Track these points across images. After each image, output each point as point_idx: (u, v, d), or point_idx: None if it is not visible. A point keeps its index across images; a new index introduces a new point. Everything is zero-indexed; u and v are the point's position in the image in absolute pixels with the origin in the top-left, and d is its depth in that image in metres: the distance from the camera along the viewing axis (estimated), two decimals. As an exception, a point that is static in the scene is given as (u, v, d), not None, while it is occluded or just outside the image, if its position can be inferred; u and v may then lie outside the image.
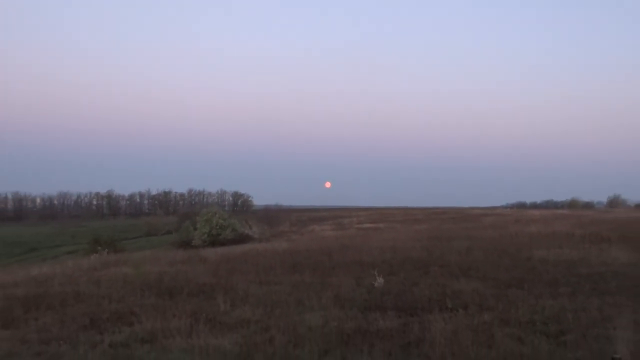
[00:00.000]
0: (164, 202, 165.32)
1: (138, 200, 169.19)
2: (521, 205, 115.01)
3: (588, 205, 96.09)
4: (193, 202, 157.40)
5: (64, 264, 23.79)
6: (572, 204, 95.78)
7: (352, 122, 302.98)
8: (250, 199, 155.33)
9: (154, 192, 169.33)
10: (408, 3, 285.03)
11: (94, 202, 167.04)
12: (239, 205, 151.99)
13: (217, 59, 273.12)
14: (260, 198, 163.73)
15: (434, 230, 35.22)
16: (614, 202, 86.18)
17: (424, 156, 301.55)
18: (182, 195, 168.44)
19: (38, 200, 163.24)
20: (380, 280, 13.59)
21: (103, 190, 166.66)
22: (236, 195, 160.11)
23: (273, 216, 71.43)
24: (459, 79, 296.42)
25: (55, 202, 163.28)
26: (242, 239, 44.50)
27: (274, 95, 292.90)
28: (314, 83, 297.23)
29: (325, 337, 8.74)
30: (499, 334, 8.53)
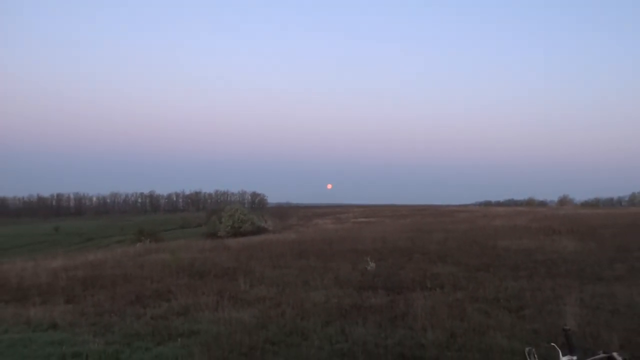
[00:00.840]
0: (195, 201, 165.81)
1: (174, 199, 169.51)
2: (487, 203, 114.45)
3: (542, 204, 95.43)
4: (219, 201, 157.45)
5: (114, 251, 23.80)
6: (529, 203, 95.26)
7: (348, 130, 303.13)
8: (265, 197, 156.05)
9: (187, 192, 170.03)
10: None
11: (139, 201, 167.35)
12: (256, 203, 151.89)
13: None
14: (274, 197, 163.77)
15: (417, 224, 35.06)
16: (563, 201, 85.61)
17: (409, 160, 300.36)
18: (210, 194, 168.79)
19: (94, 199, 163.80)
20: (372, 265, 13.55)
21: (146, 191, 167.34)
22: (254, 195, 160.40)
23: (284, 212, 71.40)
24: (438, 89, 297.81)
25: (108, 200, 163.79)
26: (259, 231, 44.36)
27: (284, 108, 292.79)
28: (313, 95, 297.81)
29: (327, 311, 8.72)
30: (469, 309, 8.49)
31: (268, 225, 49.10)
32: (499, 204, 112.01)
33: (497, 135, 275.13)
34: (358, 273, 13.05)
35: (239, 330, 7.58)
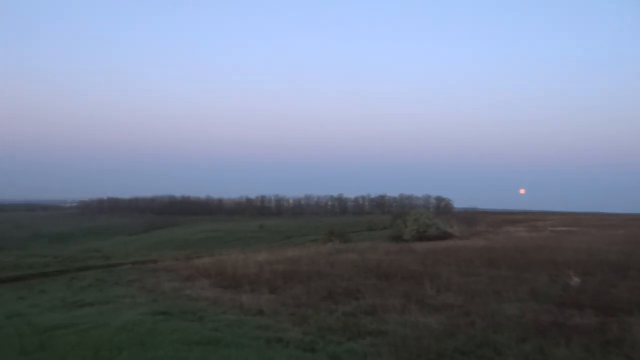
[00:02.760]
0: (380, 204, 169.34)
1: (361, 202, 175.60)
2: None
3: None
4: (403, 204, 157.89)
5: (309, 249, 25.66)
6: None
7: (541, 131, 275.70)
8: (451, 202, 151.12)
9: (373, 196, 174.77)
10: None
11: (329, 203, 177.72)
12: (442, 208, 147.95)
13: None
14: (460, 202, 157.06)
15: (633, 236, 30.01)
16: None
17: (619, 161, 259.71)
18: (395, 198, 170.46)
19: (291, 201, 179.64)
20: (576, 280, 12.00)
21: (336, 194, 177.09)
22: (439, 199, 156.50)
23: (471, 217, 68.01)
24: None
25: (303, 202, 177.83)
26: (444, 236, 43.19)
27: (471, 109, 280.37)
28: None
29: (522, 327, 8.00)
30: None
31: (454, 230, 47.49)
32: None
33: None
34: (558, 287, 11.69)
35: (426, 335, 7.46)
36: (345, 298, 10.86)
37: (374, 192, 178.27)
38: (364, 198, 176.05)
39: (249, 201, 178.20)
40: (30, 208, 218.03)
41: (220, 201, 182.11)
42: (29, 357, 6.17)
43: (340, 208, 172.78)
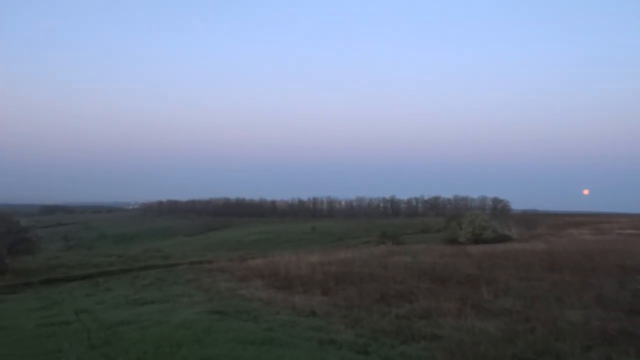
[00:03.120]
0: (434, 206, 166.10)
1: (414, 203, 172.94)
2: None
3: None
4: (458, 206, 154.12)
5: (361, 251, 25.56)
6: None
7: (609, 130, 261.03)
8: (508, 203, 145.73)
9: (426, 197, 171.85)
10: None
11: (381, 205, 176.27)
12: (498, 209, 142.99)
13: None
14: (518, 203, 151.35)
15: None
16: None
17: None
18: (448, 200, 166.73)
19: (343, 202, 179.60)
20: (646, 286, 11.26)
21: (388, 196, 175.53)
22: (496, 201, 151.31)
23: (530, 219, 65.28)
24: None
25: (355, 204, 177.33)
26: (501, 238, 41.74)
27: (531, 109, 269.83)
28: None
29: (587, 334, 7.59)
30: None
31: (512, 233, 45.83)
32: None
33: None
34: (627, 293, 11.02)
35: (483, 340, 7.23)
36: (398, 301, 10.73)
37: (427, 193, 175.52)
38: (417, 199, 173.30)
39: (301, 203, 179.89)
40: (96, 210, 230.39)
41: (273, 203, 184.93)
42: (96, 351, 6.52)
43: (392, 210, 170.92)
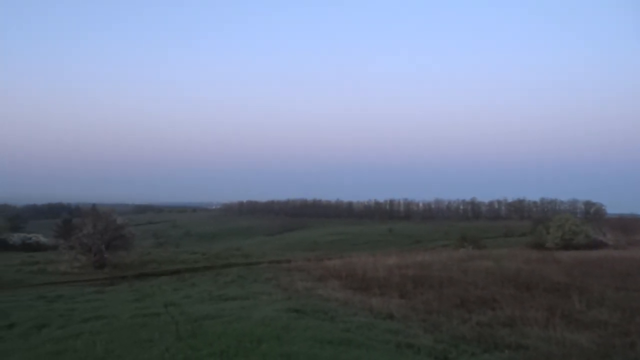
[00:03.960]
0: (518, 209, 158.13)
1: (496, 206, 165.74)
2: None
3: None
4: (545, 209, 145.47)
5: (440, 254, 24.91)
6: None
7: None
8: (603, 207, 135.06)
9: (509, 199, 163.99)
10: None
11: (461, 207, 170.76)
12: (591, 213, 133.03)
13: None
14: (614, 207, 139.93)
15: None
16: None
17: None
18: (534, 203, 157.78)
19: (421, 204, 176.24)
20: None
21: (468, 198, 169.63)
22: (588, 204, 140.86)
23: (627, 224, 60.04)
24: None
25: (433, 206, 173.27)
26: (595, 244, 38.80)
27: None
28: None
29: (697, 353, 6.86)
30: None
31: (607, 239, 42.47)
32: None
33: None
34: None
35: (574, 353, 6.77)
36: (480, 307, 10.33)
37: (511, 195, 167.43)
38: (499, 202, 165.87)
39: (378, 204, 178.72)
40: (182, 210, 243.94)
41: (350, 204, 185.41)
42: (183, 342, 6.90)
43: (473, 212, 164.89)
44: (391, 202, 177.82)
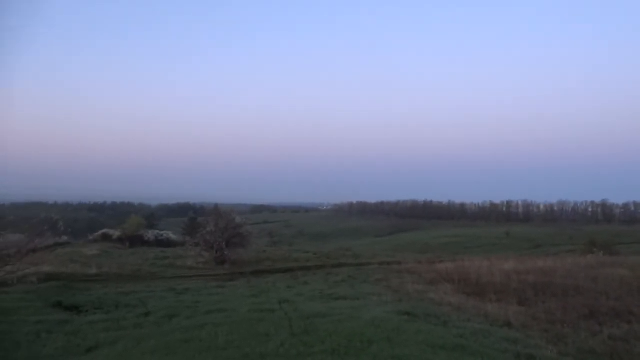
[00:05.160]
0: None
1: (632, 208, 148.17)
2: None
3: None
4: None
5: (564, 260, 22.94)
6: None
7: None
8: None
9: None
10: None
11: (589, 210, 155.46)
12: None
13: None
14: None
15: None
16: None
17: None
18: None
19: (542, 206, 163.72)
20: None
21: (598, 200, 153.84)
22: None
23: None
24: None
25: (555, 208, 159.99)
26: None
27: None
28: None
29: None
30: None
31: None
32: None
33: None
34: None
35: None
36: (612, 319, 9.34)
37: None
38: (635, 204, 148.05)
39: (493, 206, 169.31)
40: (295, 210, 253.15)
41: (463, 206, 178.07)
42: (297, 338, 7.15)
43: (603, 215, 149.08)
44: (508, 203, 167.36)
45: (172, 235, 49.41)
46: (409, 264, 24.10)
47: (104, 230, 47.83)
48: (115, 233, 45.75)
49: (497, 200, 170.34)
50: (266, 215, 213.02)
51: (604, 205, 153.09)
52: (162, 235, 48.24)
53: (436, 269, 19.10)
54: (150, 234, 47.55)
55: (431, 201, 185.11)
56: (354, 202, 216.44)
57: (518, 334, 8.12)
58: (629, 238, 76.98)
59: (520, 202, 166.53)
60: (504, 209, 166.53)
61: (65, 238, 37.68)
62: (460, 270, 17.12)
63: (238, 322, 8.64)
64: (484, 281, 14.26)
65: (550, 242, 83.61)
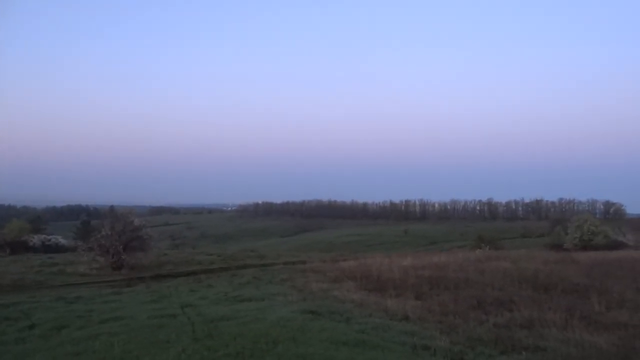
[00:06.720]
0: (535, 209, 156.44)
1: (513, 207, 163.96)
2: None
3: None
4: (563, 210, 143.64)
5: (456, 255, 24.71)
6: None
7: None
8: (622, 207, 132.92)
9: (526, 200, 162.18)
10: None
11: (477, 208, 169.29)
12: (611, 214, 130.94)
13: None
14: (634, 207, 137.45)
15: None
16: None
17: None
18: (552, 203, 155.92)
19: (436, 205, 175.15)
20: None
21: (484, 198, 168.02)
22: (607, 204, 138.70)
23: (650, 225, 58.94)
24: None
25: (448, 207, 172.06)
26: (615, 245, 38.11)
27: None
28: None
29: None
30: None
31: (627, 239, 41.74)
32: None
33: None
34: None
35: (593, 355, 6.68)
36: (497, 308, 10.24)
37: (528, 195, 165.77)
38: (516, 202, 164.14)
39: (393, 205, 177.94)
40: (198, 211, 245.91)
41: (365, 205, 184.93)
42: (200, 343, 6.96)
43: (489, 213, 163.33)
44: (407, 202, 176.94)
45: (62, 240, 45.49)
46: (314, 263, 24.52)
47: (-22, 237, 42.85)
48: (-7, 239, 41.19)
49: (396, 200, 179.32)
50: (167, 217, 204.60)
51: (489, 203, 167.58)
52: (49, 240, 44.21)
53: (340, 267, 19.63)
54: (35, 239, 43.34)
55: (335, 201, 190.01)
56: (260, 202, 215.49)
57: (415, 327, 8.61)
58: (511, 233, 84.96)
59: (417, 202, 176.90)
60: (403, 208, 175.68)
61: None
62: (363, 268, 17.75)
63: (136, 330, 8.20)
64: (385, 277, 14.92)
65: (444, 238, 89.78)
